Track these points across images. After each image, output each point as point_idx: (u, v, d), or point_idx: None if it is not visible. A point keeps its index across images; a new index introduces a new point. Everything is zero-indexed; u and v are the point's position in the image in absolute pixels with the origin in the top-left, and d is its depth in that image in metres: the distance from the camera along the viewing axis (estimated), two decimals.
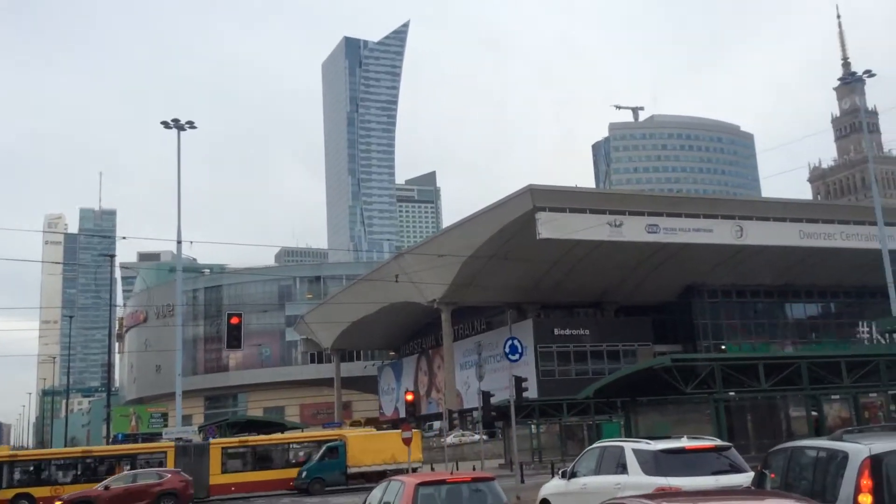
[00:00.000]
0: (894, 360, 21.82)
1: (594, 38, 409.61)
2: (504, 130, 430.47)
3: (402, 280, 58.87)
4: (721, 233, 53.61)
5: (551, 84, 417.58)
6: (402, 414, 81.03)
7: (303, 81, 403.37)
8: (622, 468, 11.54)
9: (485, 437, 51.88)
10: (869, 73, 36.33)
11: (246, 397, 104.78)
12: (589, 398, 26.74)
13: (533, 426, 38.49)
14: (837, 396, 21.92)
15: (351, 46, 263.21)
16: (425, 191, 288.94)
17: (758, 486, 7.89)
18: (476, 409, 33.95)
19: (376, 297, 65.80)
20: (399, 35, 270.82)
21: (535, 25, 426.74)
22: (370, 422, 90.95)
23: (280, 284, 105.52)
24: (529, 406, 36.08)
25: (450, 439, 53.74)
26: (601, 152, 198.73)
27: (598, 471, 12.34)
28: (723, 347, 62.03)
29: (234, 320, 28.51)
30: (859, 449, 6.41)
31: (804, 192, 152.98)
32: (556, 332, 63.61)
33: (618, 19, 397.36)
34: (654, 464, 10.97)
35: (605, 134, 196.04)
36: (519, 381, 20.52)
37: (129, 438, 50.06)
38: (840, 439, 6.87)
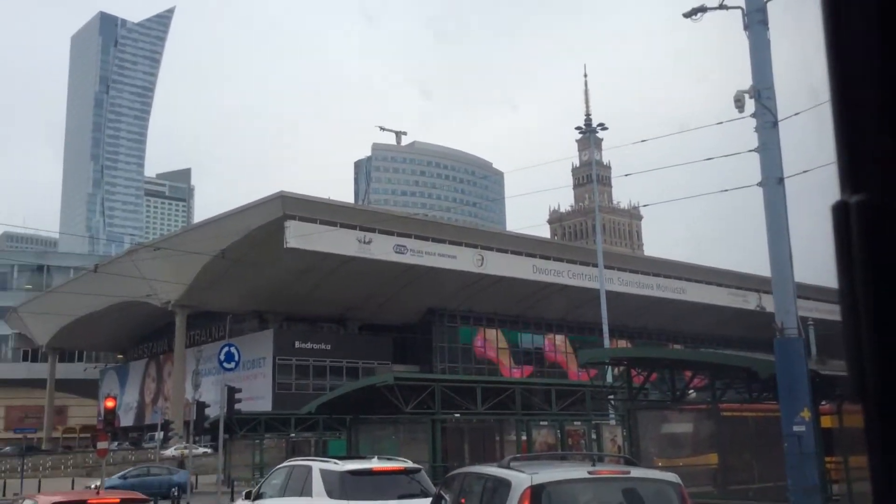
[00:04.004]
0: (598, 391, 23.50)
1: (378, 60, 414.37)
2: (275, 138, 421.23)
3: (136, 278, 54.73)
4: (464, 260, 55.95)
5: (326, 97, 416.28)
6: (123, 423, 75.33)
7: (49, 50, 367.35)
8: (308, 489, 11.00)
9: (209, 449, 49.42)
10: (602, 127, 39.65)
11: None
12: (312, 414, 26.15)
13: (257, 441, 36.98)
14: (546, 422, 23.22)
15: (106, 23, 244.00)
16: (178, 187, 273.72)
17: None
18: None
19: (106, 294, 60.52)
20: (163, 19, 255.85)
21: (320, 37, 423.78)
22: (87, 429, 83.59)
23: None
24: (255, 420, 34.75)
25: (170, 451, 50.58)
26: (363, 171, 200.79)
27: (283, 492, 11.66)
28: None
29: None
30: (522, 478, 6.27)
31: (545, 233, 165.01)
32: (298, 344, 62.50)
33: (401, 50, 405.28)
34: (340, 485, 10.53)
35: (369, 153, 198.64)
36: (231, 391, 19.42)
37: None
38: (507, 467, 6.71)
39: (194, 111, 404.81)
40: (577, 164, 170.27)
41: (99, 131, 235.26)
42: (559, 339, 74.08)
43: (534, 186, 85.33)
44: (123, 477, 34.60)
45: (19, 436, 73.84)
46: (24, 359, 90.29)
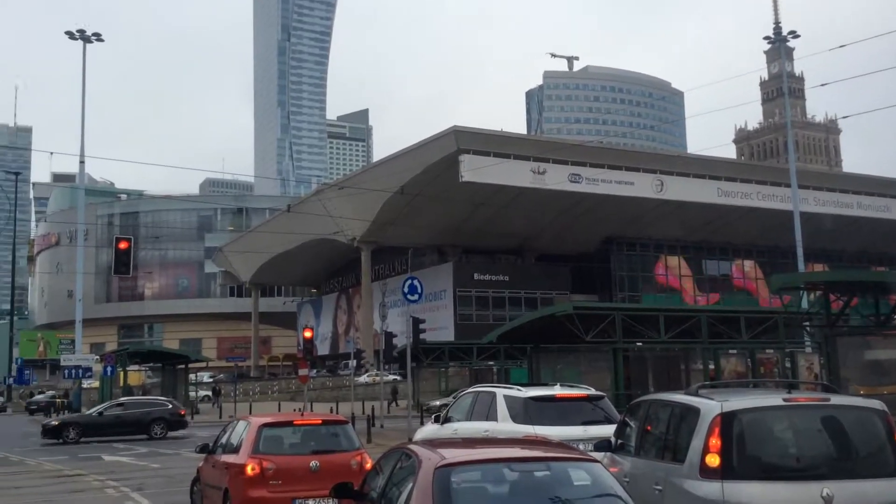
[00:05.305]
0: (793, 317, 22.15)
1: None
2: (444, 73, 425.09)
3: (323, 216, 57.71)
4: (642, 186, 54.08)
5: (495, 28, 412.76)
6: (320, 352, 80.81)
7: (234, 4, 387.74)
8: (493, 414, 11.26)
9: (398, 377, 52.02)
10: (794, 34, 36.50)
11: (162, 328, 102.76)
12: (493, 343, 26.67)
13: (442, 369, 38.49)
14: (735, 351, 22.31)
15: None
16: (357, 128, 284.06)
17: (618, 436, 7.62)
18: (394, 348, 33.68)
19: (298, 232, 64.40)
20: None
21: None
22: (289, 357, 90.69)
23: (200, 214, 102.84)
24: (440, 349, 36.01)
25: (363, 378, 53.67)
26: (534, 100, 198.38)
27: (470, 416, 12.07)
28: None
29: (123, 245, 27.11)
30: (711, 405, 6.05)
31: (730, 154, 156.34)
32: (476, 276, 63.70)
33: None
34: (524, 411, 10.73)
35: (540, 82, 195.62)
36: (416, 322, 20.19)
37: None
38: (695, 394, 6.51)
39: (367, 53, 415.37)
40: (766, 78, 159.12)
41: (283, 78, 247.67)
42: (748, 264, 70.59)
43: (717, 105, 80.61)
44: None
45: (231, 364, 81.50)
46: (231, 294, 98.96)
